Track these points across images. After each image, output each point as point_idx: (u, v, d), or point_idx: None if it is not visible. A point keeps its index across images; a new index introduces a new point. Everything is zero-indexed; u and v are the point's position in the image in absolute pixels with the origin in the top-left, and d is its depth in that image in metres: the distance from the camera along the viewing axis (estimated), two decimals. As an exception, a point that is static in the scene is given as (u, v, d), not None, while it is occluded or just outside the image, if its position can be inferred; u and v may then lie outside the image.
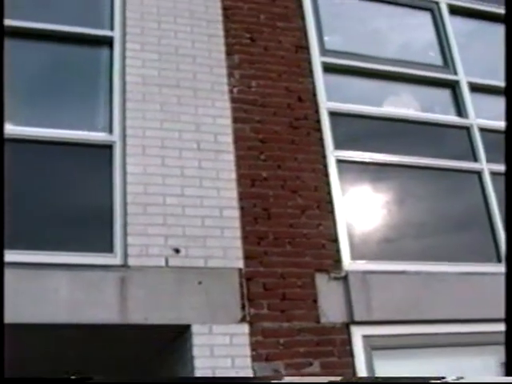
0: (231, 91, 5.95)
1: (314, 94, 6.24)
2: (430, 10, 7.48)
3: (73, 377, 4.65)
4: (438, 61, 7.20)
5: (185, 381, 5.11)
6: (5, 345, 4.27)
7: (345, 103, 6.43)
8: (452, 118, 6.90)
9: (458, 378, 4.98)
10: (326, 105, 6.24)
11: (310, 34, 6.56)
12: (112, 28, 6.03)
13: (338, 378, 5.05)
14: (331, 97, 6.33)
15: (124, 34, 5.95)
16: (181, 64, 5.92)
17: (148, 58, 5.87)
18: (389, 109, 6.68)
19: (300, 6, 6.70)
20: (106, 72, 5.87)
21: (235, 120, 5.83)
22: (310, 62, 6.40)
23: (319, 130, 6.08)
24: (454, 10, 7.55)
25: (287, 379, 5.03)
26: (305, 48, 6.46)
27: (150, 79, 5.77)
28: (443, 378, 4.99)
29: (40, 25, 5.86)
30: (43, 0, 6.14)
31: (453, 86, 7.08)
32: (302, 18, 6.64)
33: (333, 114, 6.24)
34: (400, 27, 7.38)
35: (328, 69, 6.49)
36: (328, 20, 6.82)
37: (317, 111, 6.16)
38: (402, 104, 6.80)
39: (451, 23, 7.45)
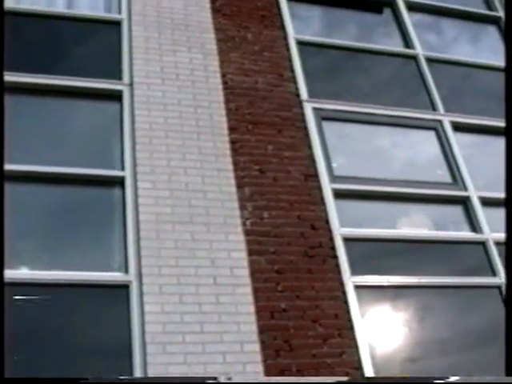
0: (244, 224, 5.99)
1: (327, 221, 6.26)
2: (434, 128, 7.60)
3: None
4: (447, 178, 7.26)
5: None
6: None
7: (358, 228, 6.45)
8: (466, 234, 6.90)
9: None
10: (339, 231, 6.25)
11: (318, 162, 6.64)
12: (123, 168, 6.12)
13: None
14: (344, 222, 6.35)
15: (135, 173, 6.03)
16: (192, 200, 5.98)
17: (160, 196, 5.93)
18: (402, 230, 6.70)
19: (306, 135, 6.82)
20: (119, 211, 5.91)
21: (250, 252, 5.83)
22: (320, 190, 6.46)
23: (335, 256, 6.07)
24: (458, 128, 7.66)
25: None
26: (314, 176, 6.54)
27: (163, 217, 5.81)
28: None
29: (51, 168, 5.96)
30: (54, 144, 6.24)
31: (464, 202, 7.11)
32: (309, 146, 6.75)
33: (347, 240, 6.24)
34: (406, 147, 7.49)
35: (339, 195, 6.53)
36: (335, 146, 6.93)
37: (331, 238, 6.17)
38: (415, 224, 6.81)
39: (455, 139, 7.55)
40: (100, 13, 7.43)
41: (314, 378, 5.18)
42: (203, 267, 5.64)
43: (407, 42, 8.50)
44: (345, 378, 5.28)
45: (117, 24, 7.20)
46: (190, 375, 5.10)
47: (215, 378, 5.12)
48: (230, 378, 5.11)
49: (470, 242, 6.84)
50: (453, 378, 4.99)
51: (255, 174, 6.33)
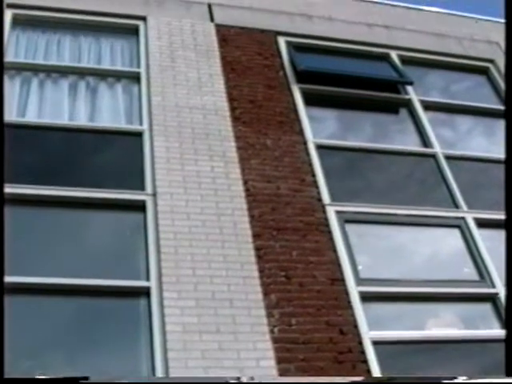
0: (272, 331, 5.92)
1: (355, 325, 6.18)
2: (458, 226, 7.58)
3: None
4: (474, 275, 7.20)
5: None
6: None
7: (387, 330, 6.36)
8: (497, 332, 6.76)
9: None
10: (368, 335, 6.16)
11: (344, 265, 6.63)
12: (148, 278, 6.12)
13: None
14: (373, 326, 6.27)
15: (160, 283, 6.03)
16: (219, 309, 5.95)
17: (186, 306, 5.91)
18: (432, 330, 6.61)
19: (330, 239, 6.83)
20: (145, 322, 5.89)
21: (279, 360, 5.74)
22: (346, 293, 6.41)
23: (365, 361, 5.96)
24: (482, 224, 7.65)
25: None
26: (340, 280, 6.51)
27: (189, 327, 5.78)
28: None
29: (77, 280, 5.99)
30: (78, 256, 6.28)
31: (492, 299, 7.01)
32: (334, 250, 6.75)
33: (376, 343, 6.13)
34: (431, 246, 7.45)
35: (366, 298, 6.48)
36: (359, 248, 6.93)
37: (360, 342, 6.07)
38: (444, 323, 6.73)
39: (480, 235, 7.52)
40: (121, 124, 7.60)
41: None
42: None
43: (425, 141, 8.59)
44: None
45: (138, 135, 7.35)
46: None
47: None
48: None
49: (501, 340, 6.71)
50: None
51: (281, 281, 6.32)
